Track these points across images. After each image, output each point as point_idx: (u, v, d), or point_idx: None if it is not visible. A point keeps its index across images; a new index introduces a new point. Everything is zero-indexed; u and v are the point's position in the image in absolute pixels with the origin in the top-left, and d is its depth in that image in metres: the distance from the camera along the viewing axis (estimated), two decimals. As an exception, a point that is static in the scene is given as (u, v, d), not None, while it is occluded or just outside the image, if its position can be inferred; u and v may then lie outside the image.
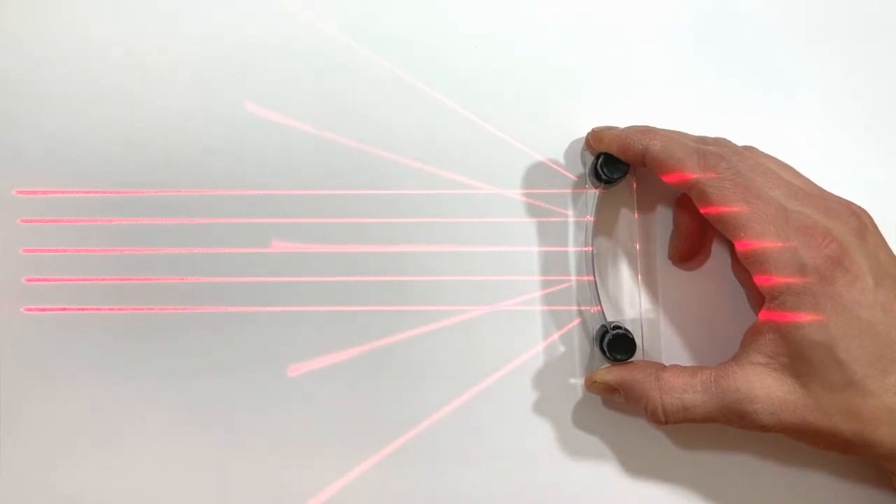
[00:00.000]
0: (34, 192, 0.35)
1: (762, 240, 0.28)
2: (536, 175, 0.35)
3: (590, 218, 0.34)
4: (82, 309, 0.35)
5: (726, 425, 0.30)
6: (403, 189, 0.35)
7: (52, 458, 0.35)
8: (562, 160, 0.35)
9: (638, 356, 0.33)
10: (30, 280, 0.35)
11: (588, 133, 0.34)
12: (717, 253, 0.35)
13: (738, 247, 0.29)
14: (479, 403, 0.35)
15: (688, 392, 0.30)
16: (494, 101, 0.35)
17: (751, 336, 0.30)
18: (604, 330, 0.33)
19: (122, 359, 0.35)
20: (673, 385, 0.30)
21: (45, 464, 0.35)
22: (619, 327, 0.33)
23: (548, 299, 0.35)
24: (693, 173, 0.30)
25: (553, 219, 0.35)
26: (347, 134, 0.35)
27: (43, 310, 0.35)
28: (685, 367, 0.31)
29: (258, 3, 0.35)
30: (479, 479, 0.35)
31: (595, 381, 0.33)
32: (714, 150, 0.30)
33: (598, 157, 0.33)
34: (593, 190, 0.34)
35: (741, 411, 0.29)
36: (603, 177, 0.33)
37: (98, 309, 0.35)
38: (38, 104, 0.35)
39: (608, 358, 0.32)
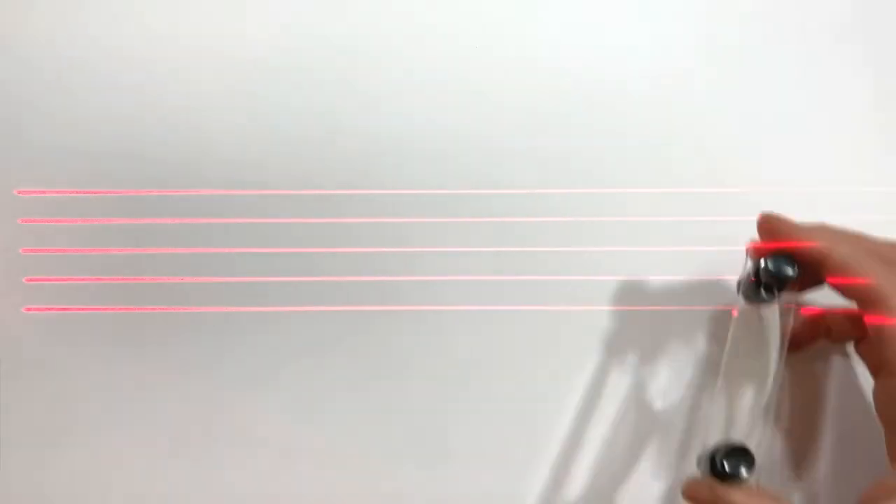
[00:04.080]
0: (34, 192, 0.35)
1: None
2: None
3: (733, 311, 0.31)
4: (82, 309, 0.35)
5: None
6: (426, 189, 0.35)
7: (51, 457, 0.35)
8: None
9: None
10: (30, 280, 0.35)
11: (762, 220, 0.30)
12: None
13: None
14: (483, 403, 0.35)
15: None
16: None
17: (881, 493, 0.27)
18: (715, 446, 0.29)
19: (123, 359, 0.35)
20: None
21: (45, 463, 0.35)
22: (736, 443, 0.29)
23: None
24: (874, 281, 0.27)
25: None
26: (359, 132, 0.35)
27: (43, 310, 0.35)
28: None
29: (258, 4, 0.35)
30: (480, 478, 0.35)
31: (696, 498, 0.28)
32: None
33: (761, 260, 0.29)
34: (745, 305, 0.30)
35: None
36: (767, 281, 0.28)
37: (98, 309, 0.35)
38: (39, 104, 0.35)
39: (719, 473, 0.28)
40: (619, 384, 0.35)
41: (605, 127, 0.34)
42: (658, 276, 0.34)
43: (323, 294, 0.35)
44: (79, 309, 0.35)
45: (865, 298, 0.27)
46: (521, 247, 0.35)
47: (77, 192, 0.35)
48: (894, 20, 0.36)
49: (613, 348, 0.35)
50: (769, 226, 0.29)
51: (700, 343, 0.34)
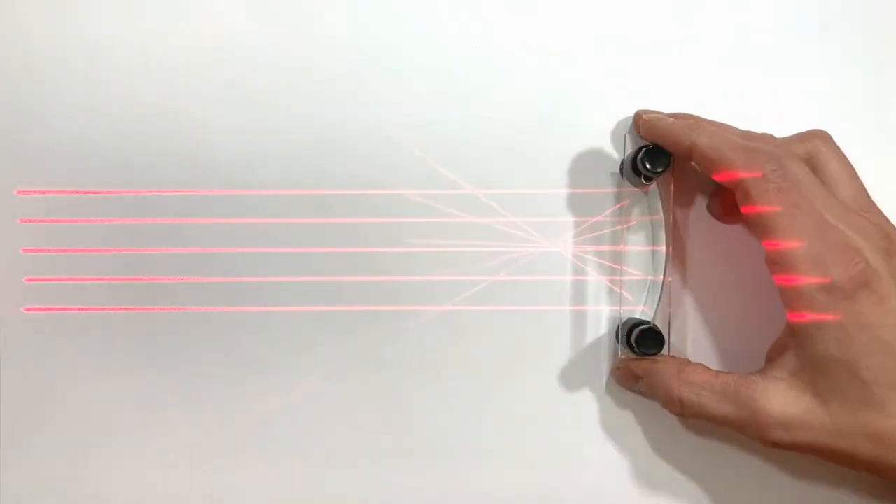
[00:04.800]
0: (34, 192, 0.35)
1: (794, 251, 0.28)
2: (565, 173, 0.35)
3: (625, 218, 0.34)
4: (82, 309, 0.35)
5: (738, 433, 0.30)
6: (419, 189, 0.35)
7: (51, 457, 0.35)
8: (593, 155, 0.35)
9: (664, 354, 0.33)
10: (30, 280, 0.35)
11: (637, 116, 0.33)
12: (755, 261, 0.35)
13: (768, 254, 0.29)
14: (500, 402, 0.35)
15: (706, 390, 0.30)
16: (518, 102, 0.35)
17: (775, 352, 0.31)
18: (630, 325, 0.33)
19: (122, 359, 0.35)
20: (694, 380, 0.31)
21: (45, 463, 0.35)
22: (647, 323, 0.33)
23: (576, 297, 0.35)
24: (738, 171, 0.29)
25: (584, 218, 0.35)
26: (351, 134, 0.35)
27: (43, 310, 0.35)
28: (709, 368, 0.31)
29: (257, 5, 0.35)
30: (480, 478, 0.35)
31: (619, 368, 0.33)
32: (762, 148, 0.30)
33: (637, 151, 0.32)
34: (630, 189, 0.34)
35: (756, 423, 0.29)
36: (643, 171, 0.32)
37: (98, 309, 0.35)
38: (39, 104, 0.35)
39: (636, 352, 0.32)
40: (621, 390, 0.35)
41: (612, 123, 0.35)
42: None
43: (324, 294, 0.35)
44: (79, 309, 0.35)
45: (732, 184, 0.30)
46: (520, 247, 0.35)
47: (77, 192, 0.35)
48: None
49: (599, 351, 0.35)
50: (645, 124, 0.32)
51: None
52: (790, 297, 0.29)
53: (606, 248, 0.35)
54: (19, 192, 0.35)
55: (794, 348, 0.29)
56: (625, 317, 0.34)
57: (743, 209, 0.30)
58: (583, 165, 0.35)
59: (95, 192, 0.35)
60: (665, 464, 0.35)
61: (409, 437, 0.35)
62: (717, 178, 0.31)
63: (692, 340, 0.35)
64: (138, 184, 0.35)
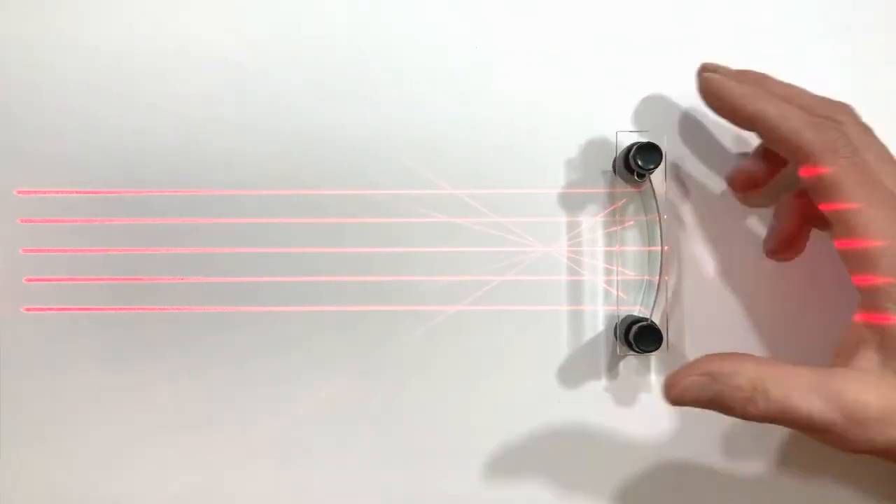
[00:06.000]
0: (34, 192, 0.35)
1: (870, 237, 0.26)
2: (558, 173, 0.35)
3: (619, 218, 0.34)
4: (82, 309, 0.35)
5: (820, 436, 0.26)
6: (417, 189, 0.35)
7: (52, 457, 0.35)
8: (591, 157, 0.35)
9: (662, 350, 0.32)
10: (30, 280, 0.35)
11: (699, 73, 0.31)
12: (744, 260, 0.35)
13: (839, 244, 0.27)
14: (499, 402, 0.35)
15: (794, 385, 0.26)
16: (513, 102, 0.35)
17: (848, 347, 0.27)
18: (629, 323, 0.33)
19: (122, 359, 0.35)
20: (775, 375, 0.26)
21: (45, 464, 0.35)
22: (645, 320, 0.32)
23: (572, 299, 0.35)
24: (813, 154, 0.27)
25: (579, 219, 0.35)
26: (350, 134, 0.35)
27: (43, 310, 0.35)
28: (781, 360, 0.28)
29: (257, 5, 0.35)
30: (480, 479, 0.35)
31: (692, 377, 0.27)
32: (830, 123, 0.28)
33: (629, 148, 0.32)
34: (625, 189, 0.34)
35: (851, 419, 0.25)
36: (636, 168, 0.31)
37: (98, 309, 0.35)
38: (39, 104, 0.35)
39: (634, 350, 0.32)
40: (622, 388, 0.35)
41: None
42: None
43: (323, 294, 0.35)
44: (79, 309, 0.35)
45: (807, 173, 0.28)
46: (517, 249, 0.35)
47: (77, 192, 0.35)
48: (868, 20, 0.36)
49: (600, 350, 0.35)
50: (707, 84, 0.30)
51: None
52: (874, 297, 0.27)
53: (601, 248, 0.35)
54: (19, 192, 0.35)
55: (875, 341, 0.26)
56: (622, 316, 0.34)
57: (821, 206, 0.28)
58: (580, 167, 0.35)
59: (95, 192, 0.35)
60: (665, 463, 0.35)
61: (408, 437, 0.35)
62: (782, 151, 0.29)
63: (690, 338, 0.35)
64: (138, 184, 0.35)
